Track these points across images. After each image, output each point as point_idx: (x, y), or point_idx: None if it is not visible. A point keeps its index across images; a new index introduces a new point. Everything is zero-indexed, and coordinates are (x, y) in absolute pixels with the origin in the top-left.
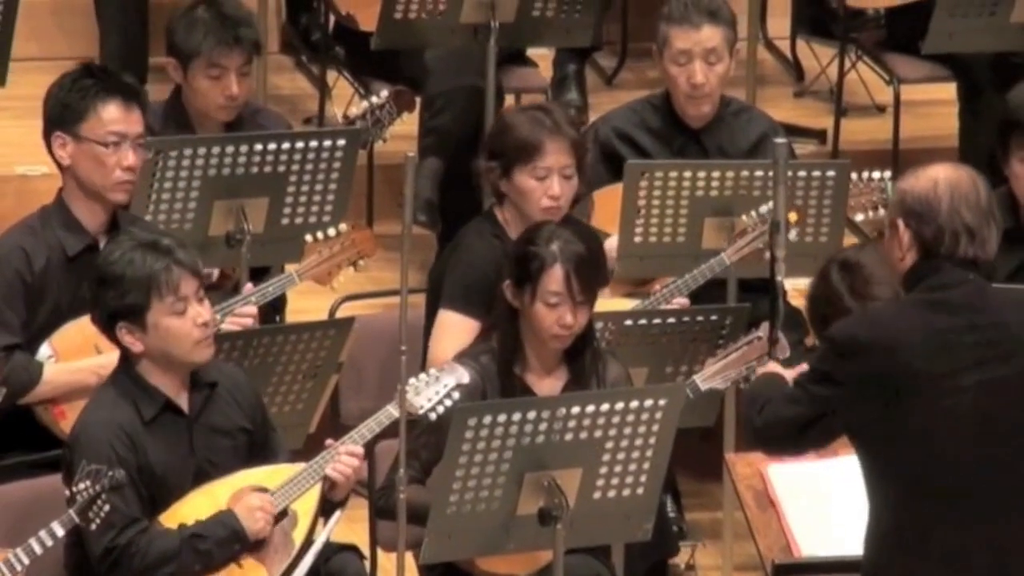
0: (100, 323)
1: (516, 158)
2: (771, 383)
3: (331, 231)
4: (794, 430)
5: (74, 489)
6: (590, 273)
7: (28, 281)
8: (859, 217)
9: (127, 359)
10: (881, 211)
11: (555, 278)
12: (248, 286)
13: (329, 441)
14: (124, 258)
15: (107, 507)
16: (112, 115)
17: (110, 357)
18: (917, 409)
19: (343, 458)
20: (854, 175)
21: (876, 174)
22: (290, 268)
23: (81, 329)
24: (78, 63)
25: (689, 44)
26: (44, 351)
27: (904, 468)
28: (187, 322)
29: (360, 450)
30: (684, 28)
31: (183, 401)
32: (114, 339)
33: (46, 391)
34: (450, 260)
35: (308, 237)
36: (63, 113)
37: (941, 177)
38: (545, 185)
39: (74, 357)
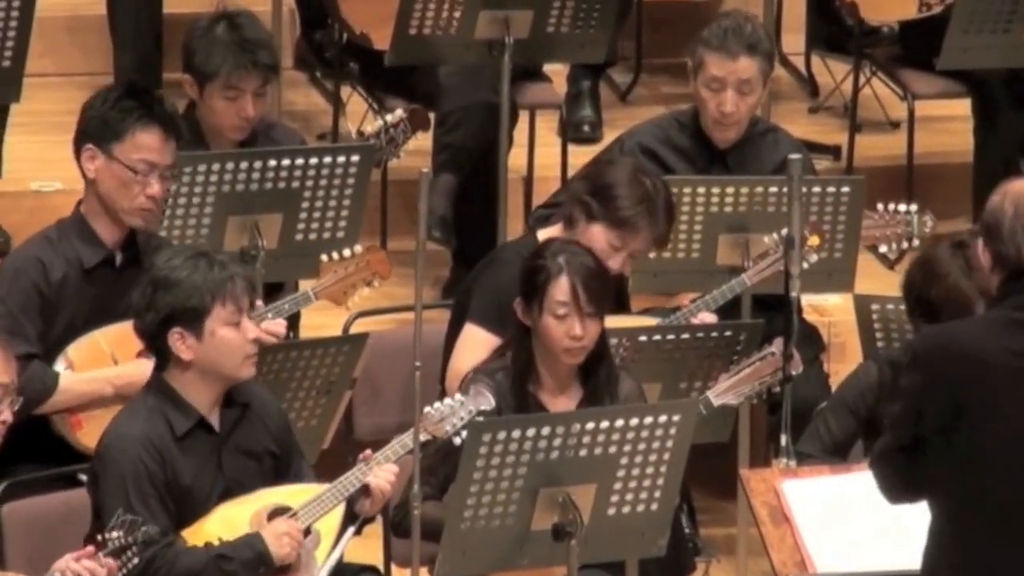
0: (150, 327)
1: (607, 219)
2: None
3: (347, 252)
4: (891, 459)
5: (107, 535)
6: (596, 284)
7: (44, 293)
8: (883, 248)
9: (161, 373)
10: (905, 244)
11: (561, 288)
12: (258, 304)
13: (368, 452)
14: (187, 264)
15: (136, 559)
16: (149, 142)
17: (127, 368)
18: (983, 426)
19: (380, 472)
20: (880, 206)
21: (902, 207)
22: (305, 286)
23: (98, 341)
24: (99, 81)
25: (723, 73)
26: (61, 363)
27: (965, 484)
28: (241, 336)
29: (395, 468)
30: (720, 56)
31: (215, 419)
32: (160, 345)
33: (62, 400)
34: (484, 274)
35: (324, 257)
36: (100, 128)
37: (1010, 190)
38: (615, 257)
39: (90, 369)
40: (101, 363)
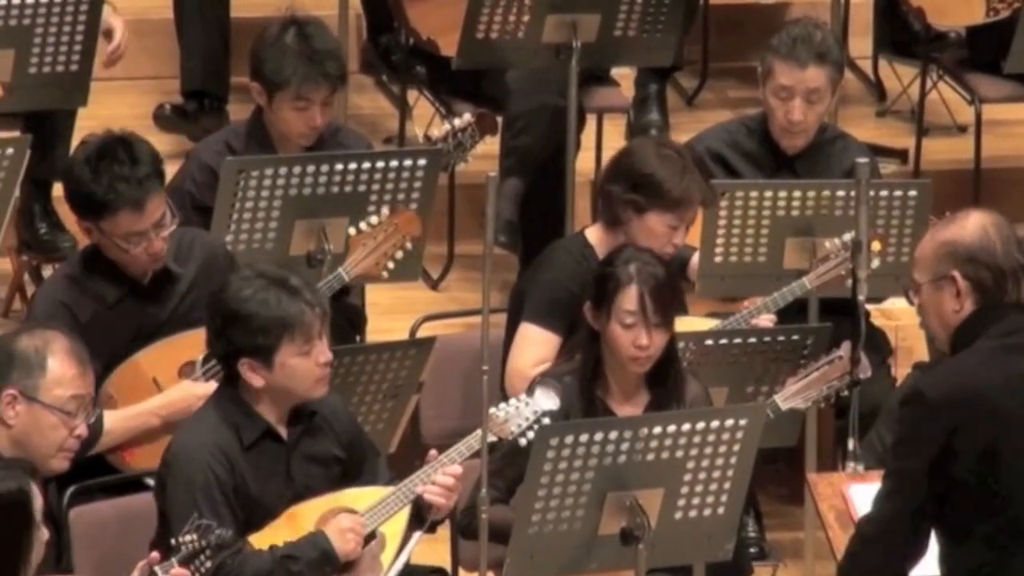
0: (220, 352)
1: (662, 206)
2: None
3: (373, 219)
4: (907, 522)
5: (180, 539)
6: (665, 295)
7: (77, 336)
8: None
9: (231, 383)
10: None
11: (630, 297)
12: None
13: (433, 452)
14: (257, 297)
15: (209, 563)
16: (127, 221)
17: (169, 396)
18: (1008, 456)
19: (442, 476)
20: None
21: None
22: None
23: (137, 364)
24: (166, 85)
25: (792, 81)
26: (104, 395)
27: (992, 514)
28: (311, 362)
29: (459, 469)
30: (789, 65)
31: (282, 428)
32: (230, 367)
33: (110, 440)
34: (535, 274)
35: (351, 230)
36: (82, 205)
37: (988, 222)
38: (676, 235)
39: (133, 397)
40: (142, 388)
